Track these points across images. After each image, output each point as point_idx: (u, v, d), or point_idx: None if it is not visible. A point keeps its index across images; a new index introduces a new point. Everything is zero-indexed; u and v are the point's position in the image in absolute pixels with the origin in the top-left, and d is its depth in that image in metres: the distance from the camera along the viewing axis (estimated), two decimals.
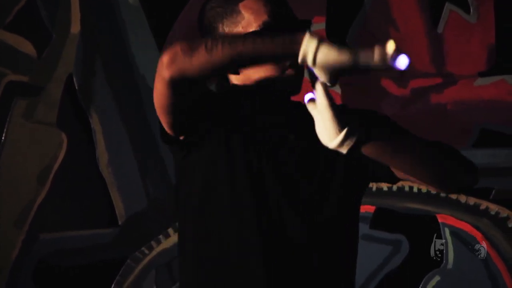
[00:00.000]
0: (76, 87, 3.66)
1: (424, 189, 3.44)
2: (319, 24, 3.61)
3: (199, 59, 1.58)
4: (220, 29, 1.79)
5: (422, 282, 3.46)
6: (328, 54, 1.53)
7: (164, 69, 1.60)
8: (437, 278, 3.50)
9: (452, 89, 3.53)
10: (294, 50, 1.55)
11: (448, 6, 3.52)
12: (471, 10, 3.51)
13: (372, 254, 3.52)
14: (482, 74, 3.53)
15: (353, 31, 3.55)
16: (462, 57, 3.55)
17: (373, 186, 3.44)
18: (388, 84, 3.53)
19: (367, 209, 3.45)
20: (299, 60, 1.55)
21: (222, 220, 1.81)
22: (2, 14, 4.16)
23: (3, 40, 4.09)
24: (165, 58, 1.60)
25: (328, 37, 3.65)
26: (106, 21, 3.64)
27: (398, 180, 1.87)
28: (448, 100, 3.53)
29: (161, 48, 3.53)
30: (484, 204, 3.49)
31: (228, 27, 1.80)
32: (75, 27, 3.90)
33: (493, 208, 3.48)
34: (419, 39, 3.57)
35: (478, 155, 3.43)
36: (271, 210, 1.80)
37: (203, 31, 1.83)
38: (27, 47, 4.06)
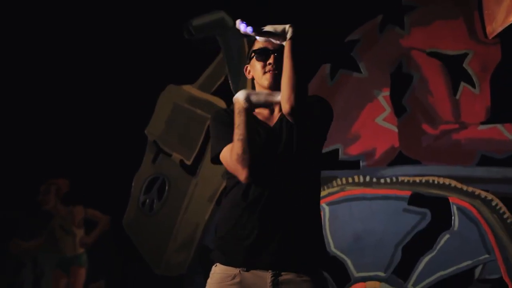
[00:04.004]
0: None
1: (440, 181, 5.37)
2: None
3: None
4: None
5: (438, 238, 5.34)
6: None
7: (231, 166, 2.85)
8: (447, 236, 5.34)
9: (464, 131, 5.46)
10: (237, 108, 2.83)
11: (462, 84, 5.52)
12: (476, 86, 5.48)
13: (408, 220, 5.44)
14: (482, 123, 5.43)
15: (406, 97, 5.67)
16: (470, 112, 5.49)
17: (410, 179, 5.49)
18: (426, 127, 5.57)
19: (406, 193, 5.49)
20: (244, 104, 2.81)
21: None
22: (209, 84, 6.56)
23: (208, 99, 6.45)
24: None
25: None
26: None
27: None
28: (461, 137, 5.46)
29: None
30: (477, 191, 5.31)
31: (253, 47, 3.02)
32: None
33: (483, 193, 5.30)
34: (445, 102, 5.56)
35: (479, 170, 5.37)
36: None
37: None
38: (220, 103, 6.31)
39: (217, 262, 2.91)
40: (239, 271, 2.82)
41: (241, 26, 2.76)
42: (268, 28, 2.81)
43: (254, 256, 2.80)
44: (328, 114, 2.96)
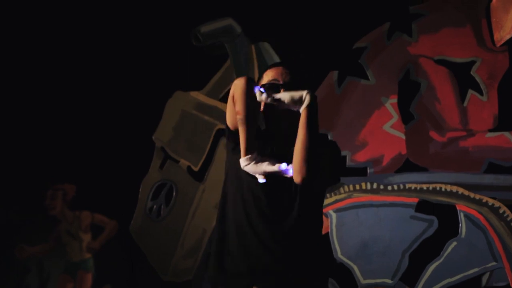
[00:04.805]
0: None
1: (448, 188, 5.36)
2: None
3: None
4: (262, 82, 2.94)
5: (446, 245, 5.32)
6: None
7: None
8: (454, 243, 5.31)
9: (472, 138, 5.44)
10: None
11: (470, 91, 5.51)
12: (483, 93, 5.46)
13: (415, 227, 5.42)
14: (490, 130, 5.39)
15: (414, 104, 5.66)
16: (477, 120, 5.47)
17: (417, 186, 5.48)
18: (433, 134, 5.54)
19: (413, 200, 5.48)
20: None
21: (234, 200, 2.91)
22: (216, 90, 6.57)
23: (215, 105, 6.46)
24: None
25: None
26: None
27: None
28: (469, 145, 5.44)
29: None
30: (485, 199, 5.27)
31: (262, 81, 2.93)
32: None
33: (490, 201, 5.26)
34: (453, 109, 5.54)
35: (486, 178, 5.33)
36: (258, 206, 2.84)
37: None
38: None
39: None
40: None
41: (257, 93, 2.73)
42: (285, 95, 2.75)
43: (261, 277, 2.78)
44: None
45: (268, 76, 2.91)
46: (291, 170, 2.70)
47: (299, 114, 2.77)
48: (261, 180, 2.74)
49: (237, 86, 2.76)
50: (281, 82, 2.87)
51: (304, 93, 2.72)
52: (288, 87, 2.85)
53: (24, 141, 6.94)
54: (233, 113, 2.78)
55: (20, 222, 7.06)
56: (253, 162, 2.73)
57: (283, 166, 2.70)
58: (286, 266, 2.76)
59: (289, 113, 2.79)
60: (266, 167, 2.72)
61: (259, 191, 2.81)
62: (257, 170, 2.73)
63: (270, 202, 2.82)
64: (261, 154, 2.78)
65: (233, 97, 2.78)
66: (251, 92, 2.75)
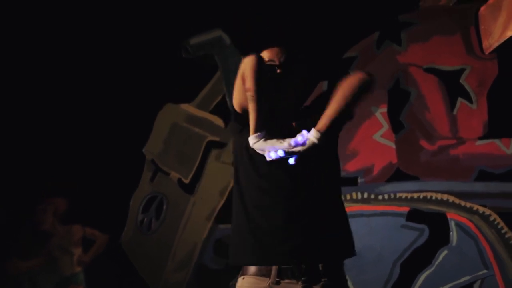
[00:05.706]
0: None
1: (438, 196, 5.36)
2: None
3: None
4: None
5: (437, 254, 5.31)
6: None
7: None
8: (446, 252, 5.30)
9: (462, 146, 5.44)
10: None
11: (459, 99, 5.52)
12: (473, 101, 5.48)
13: (406, 236, 5.40)
14: (480, 138, 5.41)
15: (404, 113, 5.66)
16: (467, 128, 5.47)
17: (408, 195, 5.46)
18: (424, 143, 5.54)
19: (404, 209, 5.46)
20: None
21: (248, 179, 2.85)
22: (206, 102, 6.59)
23: (206, 117, 6.47)
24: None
25: None
26: None
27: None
28: (459, 153, 5.44)
29: None
30: (475, 207, 5.27)
31: None
32: None
33: (481, 209, 5.26)
34: (442, 118, 5.54)
35: (477, 185, 5.34)
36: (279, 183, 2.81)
37: None
38: (218, 121, 6.37)
39: (246, 264, 2.83)
40: (269, 284, 2.75)
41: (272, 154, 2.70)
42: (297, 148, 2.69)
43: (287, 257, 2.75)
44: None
45: (264, 58, 2.87)
46: (304, 136, 2.65)
47: (301, 88, 2.93)
48: (269, 157, 2.68)
49: (247, 63, 2.72)
50: (277, 63, 2.88)
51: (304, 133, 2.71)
52: (284, 67, 2.86)
53: (14, 154, 6.87)
54: (242, 93, 2.76)
55: (11, 237, 6.94)
56: (262, 139, 2.68)
57: (292, 141, 2.65)
58: (308, 239, 2.76)
59: (290, 87, 2.85)
60: (276, 143, 2.67)
61: (273, 166, 2.75)
62: (266, 146, 2.68)
63: (286, 176, 2.79)
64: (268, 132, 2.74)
65: (242, 75, 2.74)
66: (261, 69, 2.72)
